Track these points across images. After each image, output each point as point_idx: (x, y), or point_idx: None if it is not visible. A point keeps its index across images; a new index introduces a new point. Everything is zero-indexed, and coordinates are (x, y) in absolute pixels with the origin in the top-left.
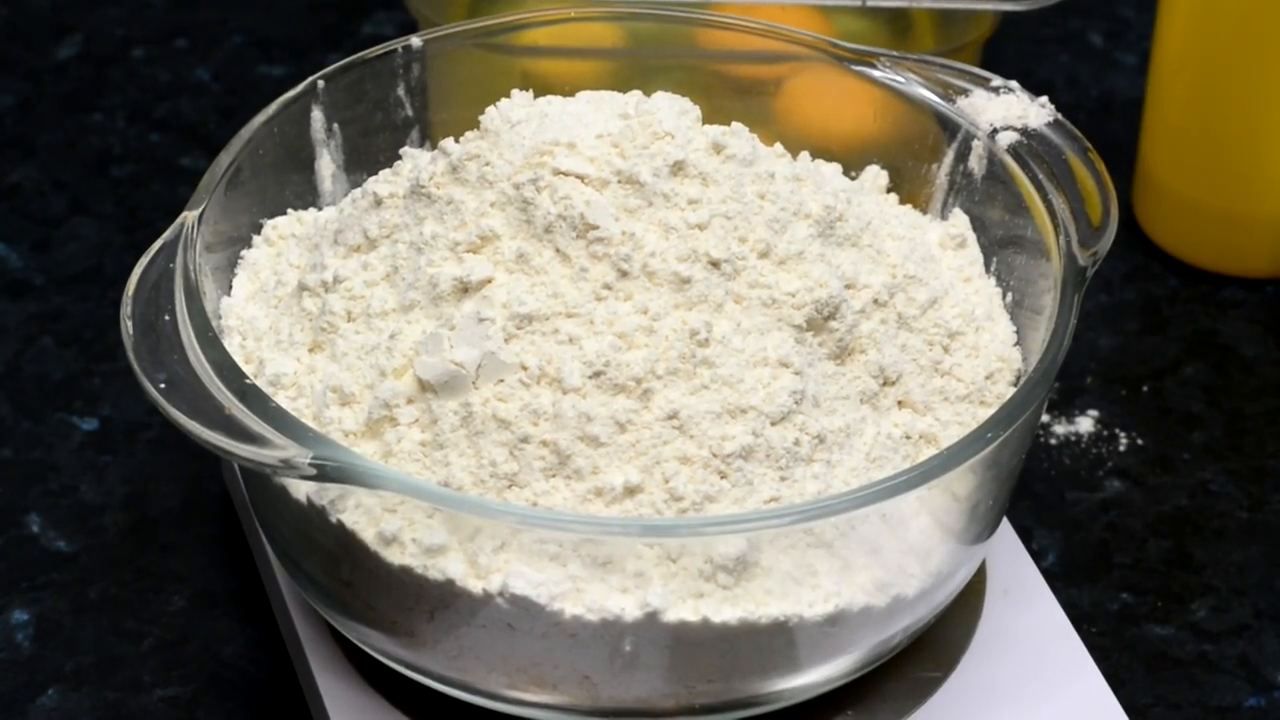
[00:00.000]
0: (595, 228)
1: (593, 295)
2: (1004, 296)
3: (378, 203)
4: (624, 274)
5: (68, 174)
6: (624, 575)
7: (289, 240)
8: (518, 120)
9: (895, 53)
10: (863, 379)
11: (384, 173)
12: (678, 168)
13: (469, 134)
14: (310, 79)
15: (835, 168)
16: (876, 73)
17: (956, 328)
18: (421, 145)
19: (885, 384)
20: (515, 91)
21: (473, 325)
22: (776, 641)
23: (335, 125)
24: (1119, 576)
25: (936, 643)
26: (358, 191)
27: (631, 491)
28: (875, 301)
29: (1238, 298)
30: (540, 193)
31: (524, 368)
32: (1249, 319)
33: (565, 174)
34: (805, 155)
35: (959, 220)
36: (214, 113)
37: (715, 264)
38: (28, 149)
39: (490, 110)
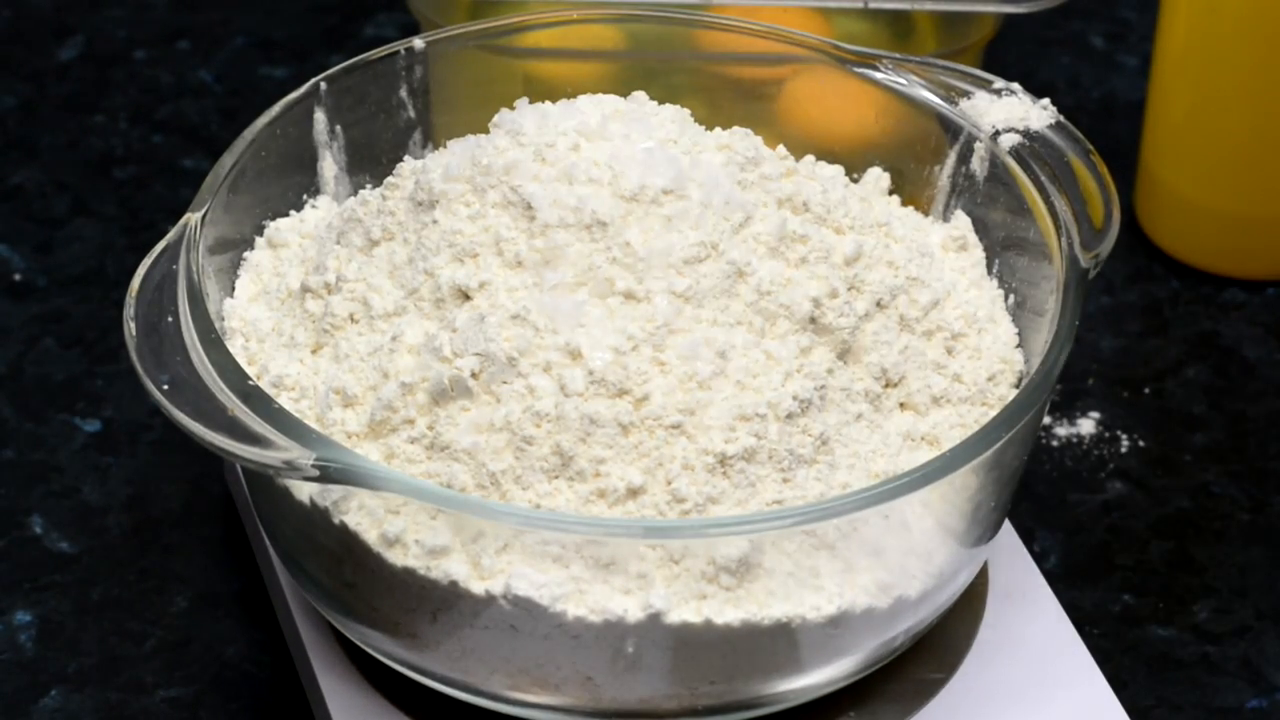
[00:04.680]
0: (597, 229)
1: (595, 296)
2: (1006, 298)
3: (380, 205)
4: (627, 276)
5: (70, 175)
6: (626, 577)
7: (291, 242)
8: (521, 123)
9: (897, 55)
10: (865, 380)
11: (387, 176)
12: (681, 170)
13: (471, 136)
14: (313, 81)
15: (837, 170)
16: (878, 75)
17: (959, 329)
18: (424, 147)
19: (887, 385)
20: (520, 101)
21: (475, 327)
22: (779, 643)
23: (337, 127)
24: (1120, 578)
25: (938, 644)
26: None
27: (634, 493)
28: (878, 304)
29: (1239, 300)
30: (543, 194)
31: (527, 369)
32: (1250, 321)
33: (567, 176)
34: (808, 158)
35: (961, 222)
36: (216, 114)
37: (719, 266)
38: (30, 150)
39: (496, 115)
